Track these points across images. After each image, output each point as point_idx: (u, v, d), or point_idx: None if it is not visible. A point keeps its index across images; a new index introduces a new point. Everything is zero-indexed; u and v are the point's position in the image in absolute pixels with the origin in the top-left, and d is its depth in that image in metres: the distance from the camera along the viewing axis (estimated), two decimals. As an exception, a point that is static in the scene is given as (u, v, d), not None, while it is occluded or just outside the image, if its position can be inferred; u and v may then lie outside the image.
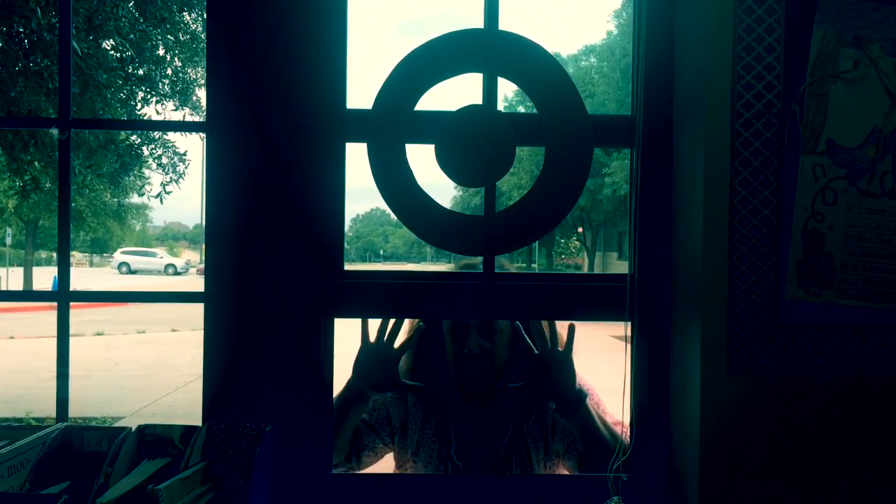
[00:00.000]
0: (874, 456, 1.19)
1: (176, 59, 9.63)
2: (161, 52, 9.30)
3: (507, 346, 1.63)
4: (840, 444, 1.19)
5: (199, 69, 9.98)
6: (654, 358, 1.35)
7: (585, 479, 1.36)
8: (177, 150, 10.87)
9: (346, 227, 1.40)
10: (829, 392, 1.19)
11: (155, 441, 1.11)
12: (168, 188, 10.97)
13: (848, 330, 1.19)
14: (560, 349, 1.49)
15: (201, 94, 10.28)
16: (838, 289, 1.18)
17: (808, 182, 1.18)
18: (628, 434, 1.38)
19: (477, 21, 1.37)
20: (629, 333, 1.38)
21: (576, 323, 1.42)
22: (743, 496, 1.19)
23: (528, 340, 1.52)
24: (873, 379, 1.19)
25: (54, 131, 1.33)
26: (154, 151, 10.66)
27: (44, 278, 26.19)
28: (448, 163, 1.30)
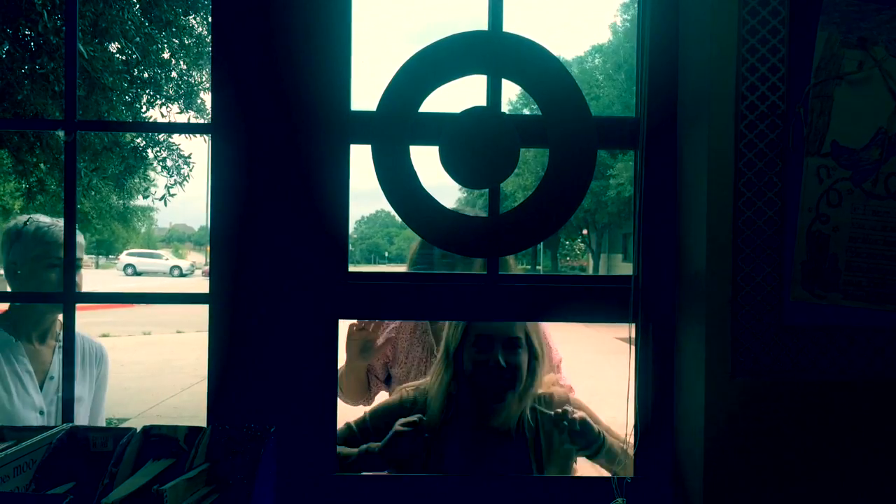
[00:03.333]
0: (879, 458, 1.19)
1: (181, 62, 9.65)
2: (166, 55, 9.31)
3: (526, 361, 1.69)
4: (843, 445, 1.19)
5: (204, 72, 10.00)
6: (658, 359, 1.35)
7: (590, 480, 1.35)
8: (181, 153, 10.89)
9: (351, 229, 1.41)
10: (832, 394, 1.19)
11: (160, 442, 1.11)
12: (172, 191, 10.99)
13: (852, 331, 1.18)
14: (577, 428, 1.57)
15: (206, 97, 10.29)
16: (843, 290, 1.18)
17: (813, 184, 1.17)
18: (632, 436, 1.37)
19: (481, 24, 1.38)
20: (633, 335, 1.38)
21: (580, 324, 1.43)
22: (747, 498, 1.19)
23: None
24: (878, 380, 1.19)
25: (60, 133, 1.34)
26: (159, 154, 10.68)
27: (49, 280, 26.20)
28: (452, 164, 1.30)
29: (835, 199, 1.18)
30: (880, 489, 1.19)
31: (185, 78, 9.94)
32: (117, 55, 8.44)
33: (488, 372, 1.63)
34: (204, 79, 10.10)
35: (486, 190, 1.35)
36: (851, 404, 1.19)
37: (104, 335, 13.88)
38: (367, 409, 1.79)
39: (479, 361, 1.65)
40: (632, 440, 1.37)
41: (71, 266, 1.38)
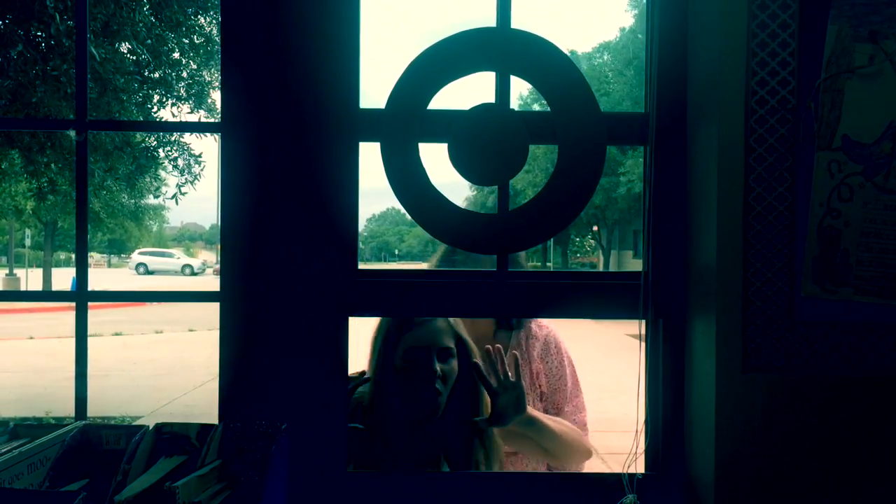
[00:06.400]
0: (892, 453, 1.18)
1: (191, 62, 9.68)
2: (177, 55, 9.34)
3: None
4: (856, 440, 1.18)
5: (215, 72, 10.02)
6: (668, 356, 1.34)
7: (601, 476, 1.35)
8: (192, 152, 10.92)
9: (361, 227, 1.41)
10: (843, 389, 1.18)
11: (172, 439, 1.12)
12: (183, 190, 11.03)
13: (864, 327, 1.18)
14: (512, 380, 1.55)
15: (216, 96, 10.33)
16: (854, 286, 1.17)
17: (824, 178, 1.17)
18: (643, 432, 1.37)
19: (490, 22, 1.37)
20: (643, 331, 1.37)
21: (589, 321, 1.43)
22: (759, 494, 1.18)
23: (487, 379, 1.57)
24: (890, 376, 1.18)
25: (72, 133, 1.35)
26: (169, 153, 10.72)
27: (62, 279, 26.47)
28: (461, 161, 1.30)
29: (846, 193, 1.17)
30: (894, 484, 1.18)
31: (196, 77, 9.98)
32: (128, 56, 8.48)
33: (420, 381, 1.57)
34: (214, 78, 10.13)
35: (496, 187, 1.35)
36: (864, 400, 1.18)
37: (117, 333, 13.97)
38: None
39: (410, 371, 1.59)
40: (642, 437, 1.37)
41: (83, 263, 1.39)
